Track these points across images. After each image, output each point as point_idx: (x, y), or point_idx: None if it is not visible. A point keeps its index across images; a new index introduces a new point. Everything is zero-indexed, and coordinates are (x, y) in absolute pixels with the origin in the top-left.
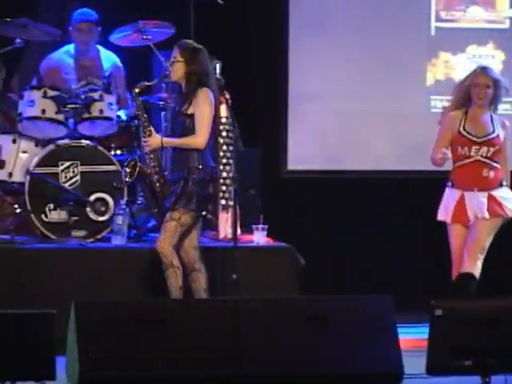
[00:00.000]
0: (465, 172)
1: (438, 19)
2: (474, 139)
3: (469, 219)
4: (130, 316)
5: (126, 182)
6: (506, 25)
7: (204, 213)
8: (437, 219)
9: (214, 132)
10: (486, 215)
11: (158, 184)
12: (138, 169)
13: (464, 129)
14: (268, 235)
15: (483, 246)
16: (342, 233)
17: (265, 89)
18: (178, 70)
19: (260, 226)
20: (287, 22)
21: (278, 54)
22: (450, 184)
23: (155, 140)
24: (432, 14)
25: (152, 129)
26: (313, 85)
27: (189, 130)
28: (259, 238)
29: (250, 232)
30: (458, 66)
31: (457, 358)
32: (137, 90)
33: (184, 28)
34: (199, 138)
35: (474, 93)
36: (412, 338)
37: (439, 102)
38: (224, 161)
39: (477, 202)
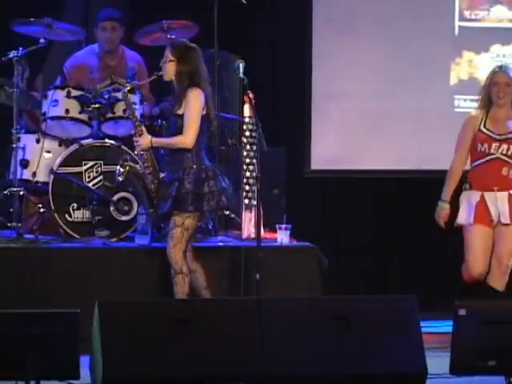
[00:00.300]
0: (484, 171)
1: (462, 18)
2: (494, 136)
3: (492, 220)
4: (155, 315)
5: (118, 180)
6: None
7: (227, 212)
8: (456, 224)
9: (207, 131)
10: (509, 221)
11: (152, 185)
12: (127, 168)
13: (484, 126)
14: (291, 235)
15: None
16: (366, 232)
17: (289, 89)
18: (169, 70)
19: (284, 226)
20: (311, 20)
21: (301, 53)
22: (466, 186)
23: (145, 140)
24: (456, 14)
25: (143, 128)
26: (336, 84)
27: (180, 130)
28: (283, 237)
29: (274, 231)
30: (481, 65)
31: (480, 358)
32: (126, 89)
33: (208, 27)
34: (186, 138)
35: (494, 92)
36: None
37: (463, 102)
38: (247, 160)
39: (500, 205)
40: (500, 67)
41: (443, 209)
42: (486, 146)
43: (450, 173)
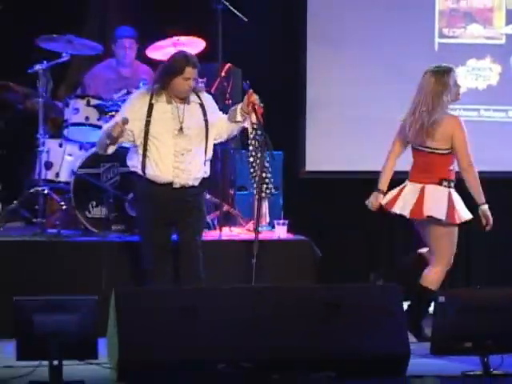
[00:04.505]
0: None
1: (441, 36)
2: None
3: None
4: (166, 303)
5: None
6: (503, 40)
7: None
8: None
9: None
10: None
11: None
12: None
13: None
14: (288, 229)
15: None
16: (355, 226)
17: (285, 99)
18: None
19: (281, 221)
20: (305, 39)
21: (296, 67)
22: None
23: None
24: (436, 31)
25: None
26: (327, 95)
27: None
28: (280, 231)
29: (273, 226)
30: (458, 77)
31: (458, 341)
32: None
33: (213, 42)
34: None
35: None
36: None
37: None
38: (254, 164)
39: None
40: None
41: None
42: None
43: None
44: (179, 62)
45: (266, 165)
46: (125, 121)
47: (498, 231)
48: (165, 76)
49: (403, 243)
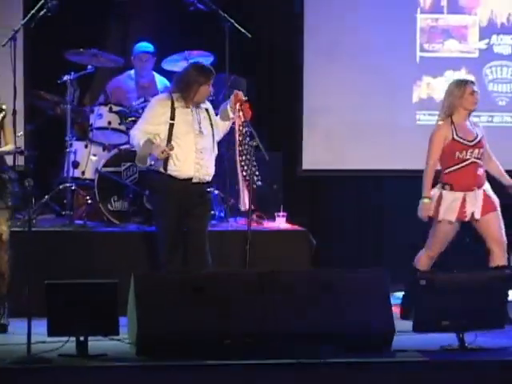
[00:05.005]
0: (462, 174)
1: (422, 50)
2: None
3: (466, 216)
4: (179, 284)
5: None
6: (476, 54)
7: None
8: (441, 219)
9: None
10: (479, 216)
11: None
12: None
13: (457, 135)
14: (287, 221)
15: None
16: (348, 219)
17: (284, 105)
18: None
19: (281, 214)
20: (302, 50)
21: (295, 76)
22: (446, 187)
23: None
24: (417, 46)
25: None
26: (322, 101)
27: None
28: (280, 222)
29: (273, 218)
30: (437, 87)
31: (437, 319)
32: None
33: (220, 55)
34: None
35: (471, 101)
36: None
37: (423, 116)
38: (243, 163)
39: (477, 203)
40: (471, 81)
41: (427, 204)
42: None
43: (429, 173)
44: (206, 71)
45: (253, 158)
46: (171, 147)
47: None
48: (194, 84)
49: (391, 237)
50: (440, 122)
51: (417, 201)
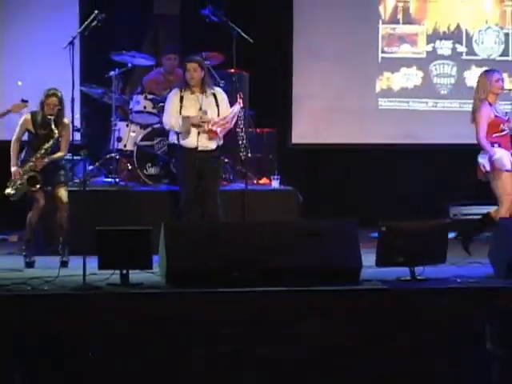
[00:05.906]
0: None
1: (383, 52)
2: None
3: None
4: (198, 232)
5: None
6: (424, 55)
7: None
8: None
9: None
10: None
11: None
12: None
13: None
14: (280, 182)
15: None
16: (329, 182)
17: (278, 91)
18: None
19: (276, 176)
20: (291, 49)
21: (286, 69)
22: (496, 145)
23: None
24: (379, 49)
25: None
26: (308, 89)
27: None
28: (275, 183)
29: (270, 180)
30: (395, 80)
31: (394, 256)
32: None
33: (228, 56)
34: None
35: (499, 86)
36: None
37: (383, 102)
38: (240, 139)
39: None
40: (497, 71)
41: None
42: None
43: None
44: (184, 61)
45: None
46: (204, 112)
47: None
48: (184, 72)
49: (364, 194)
50: (479, 103)
51: (379, 166)
